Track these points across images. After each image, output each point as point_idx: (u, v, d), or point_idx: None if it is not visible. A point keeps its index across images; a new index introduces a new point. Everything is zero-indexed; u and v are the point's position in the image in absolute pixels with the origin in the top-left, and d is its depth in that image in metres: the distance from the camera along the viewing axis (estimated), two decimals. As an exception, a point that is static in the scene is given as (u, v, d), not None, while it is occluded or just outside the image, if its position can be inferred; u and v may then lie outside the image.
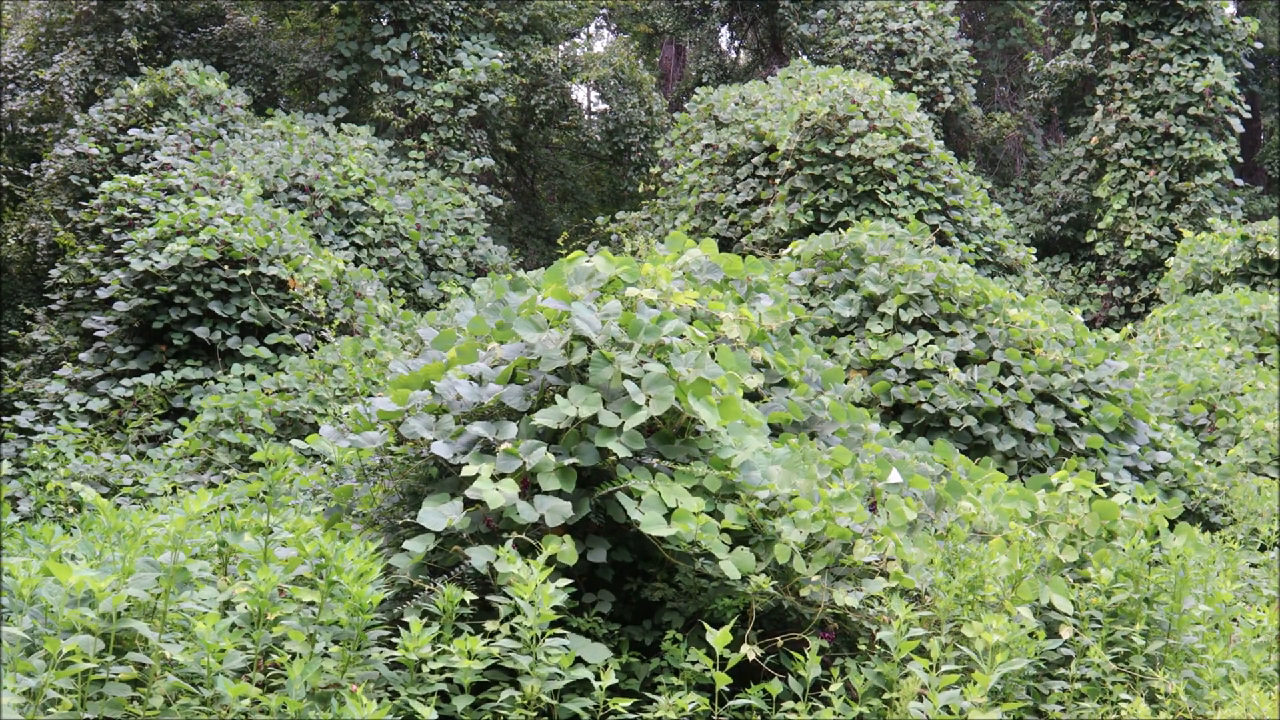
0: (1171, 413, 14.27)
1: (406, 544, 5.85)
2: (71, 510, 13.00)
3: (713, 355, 6.86)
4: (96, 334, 17.51)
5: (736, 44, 35.61)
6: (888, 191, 20.18)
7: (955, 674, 5.45)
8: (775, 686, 5.52)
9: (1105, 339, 14.52)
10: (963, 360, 12.09)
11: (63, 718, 4.61)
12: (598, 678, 5.41)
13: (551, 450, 5.95)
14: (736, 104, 23.21)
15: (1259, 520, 10.91)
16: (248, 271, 16.28)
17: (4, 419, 17.54)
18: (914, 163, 20.59)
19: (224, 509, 6.19)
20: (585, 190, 32.63)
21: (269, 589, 5.12)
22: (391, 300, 18.77)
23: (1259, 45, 27.25)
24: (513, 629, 5.40)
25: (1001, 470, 10.46)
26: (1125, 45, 26.15)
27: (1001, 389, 11.73)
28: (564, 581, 5.50)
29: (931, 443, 9.97)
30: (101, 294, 17.13)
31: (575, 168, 32.37)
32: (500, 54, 27.04)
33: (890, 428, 10.24)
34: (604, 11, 35.76)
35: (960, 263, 17.35)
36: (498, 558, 5.59)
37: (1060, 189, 27.53)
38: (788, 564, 5.95)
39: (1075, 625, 6.15)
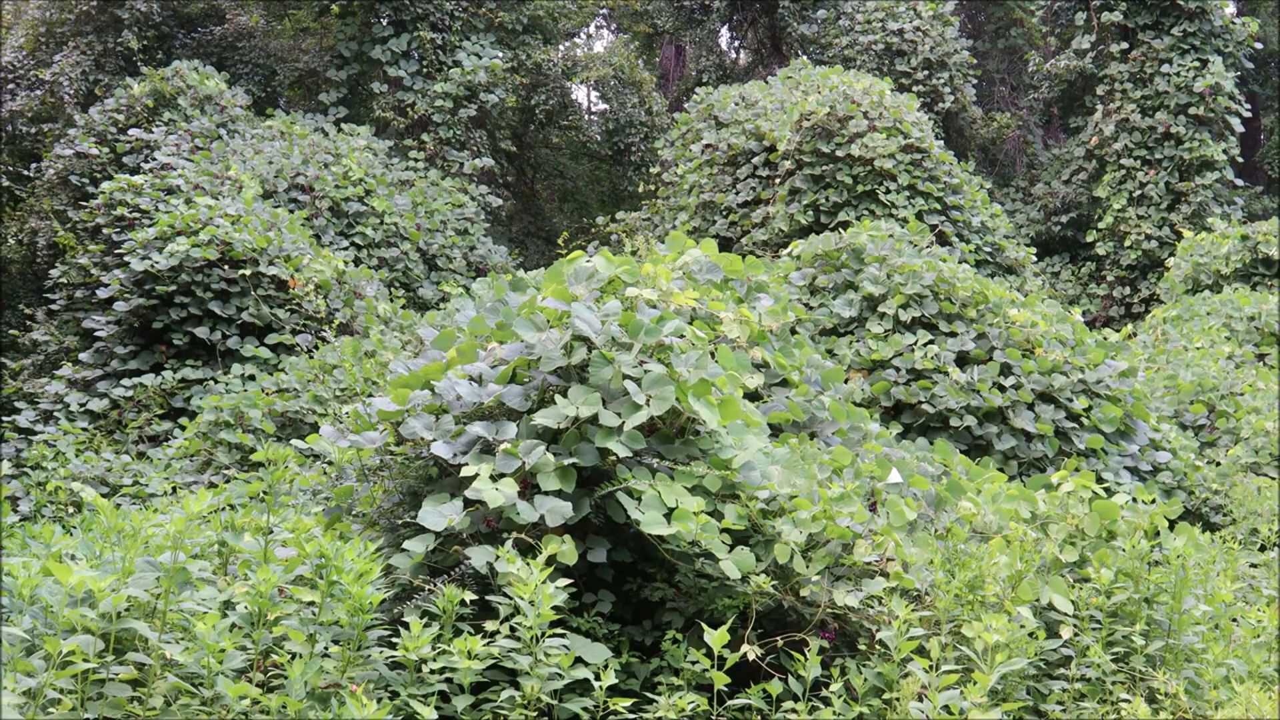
0: (1171, 413, 14.27)
1: (406, 544, 5.85)
2: (71, 510, 13.00)
3: (713, 355, 6.86)
4: (96, 334, 17.51)
5: (736, 44, 35.61)
6: (888, 191, 20.18)
7: (955, 674, 5.45)
8: (775, 686, 5.52)
9: (1105, 339, 14.52)
10: (963, 360, 12.09)
11: (63, 718, 4.61)
12: (598, 678, 5.40)
13: (551, 450, 5.95)
14: (736, 104, 23.22)
15: (1259, 520, 10.91)
16: (248, 271, 16.28)
17: (4, 419, 17.54)
18: (914, 163, 20.59)
19: (224, 509, 6.19)
20: (585, 190, 32.64)
21: (269, 589, 5.12)
22: (391, 300, 18.77)
23: (1259, 45, 27.25)
24: (513, 629, 5.40)
25: (1001, 470, 10.46)
26: (1125, 45, 26.15)
27: (1001, 389, 11.73)
28: (564, 581, 5.50)
29: (931, 443, 9.97)
30: (101, 294, 17.13)
31: (575, 168, 32.37)
32: (500, 54, 27.05)
33: (890, 428, 10.24)
34: (604, 11, 35.76)
35: (960, 263, 17.35)
36: (498, 558, 5.59)
37: (1060, 189, 27.53)
38: (788, 564, 5.95)
39: (1075, 625, 6.15)
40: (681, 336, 6.52)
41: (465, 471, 5.88)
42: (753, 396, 7.76)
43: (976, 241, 20.68)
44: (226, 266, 16.39)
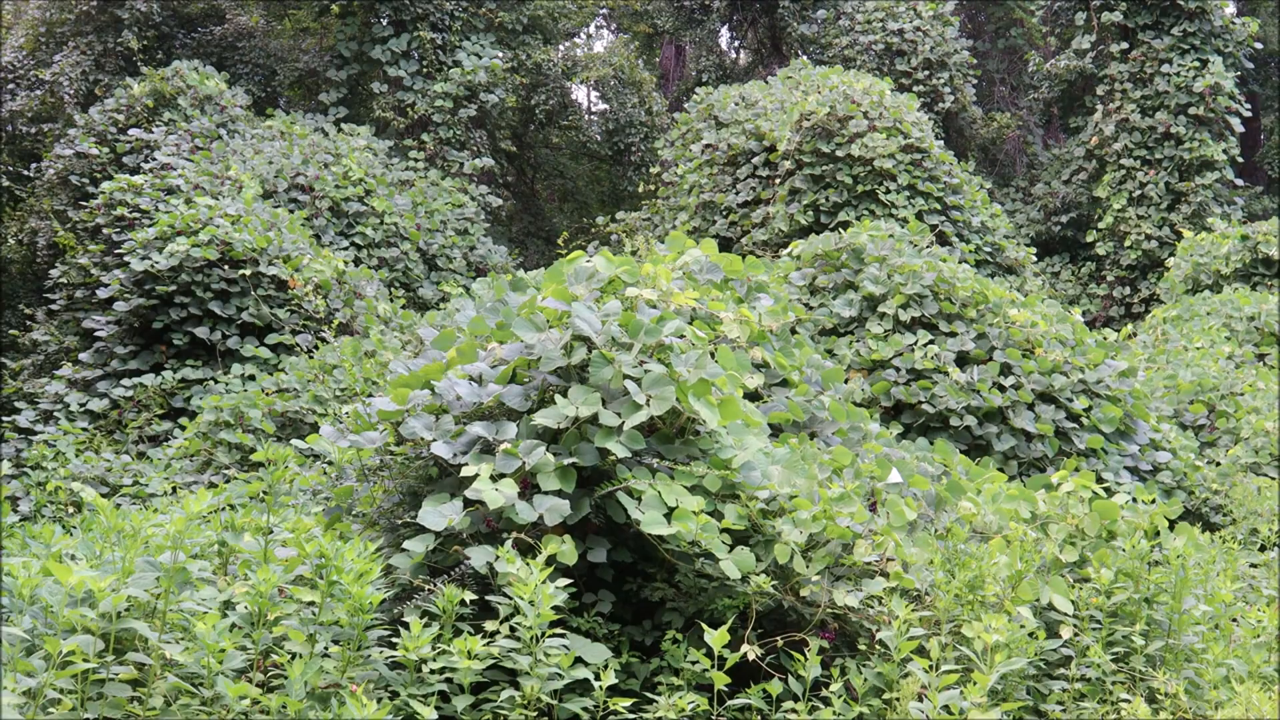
0: (1171, 413, 14.26)
1: (406, 544, 5.85)
2: (71, 510, 13.00)
3: (713, 355, 6.86)
4: (96, 334, 17.52)
5: (736, 44, 35.61)
6: (888, 191, 20.18)
7: (955, 674, 5.45)
8: (775, 686, 5.52)
9: (1105, 339, 14.51)
10: (963, 360, 12.09)
11: (63, 718, 4.61)
12: (598, 678, 5.40)
13: (551, 450, 5.95)
14: (736, 104, 23.21)
15: (1259, 520, 10.91)
16: (248, 271, 16.28)
17: (4, 419, 17.54)
18: (914, 163, 20.59)
19: (224, 509, 6.19)
20: (585, 190, 32.64)
21: (269, 589, 5.12)
22: (391, 300, 18.77)
23: (1259, 45, 27.24)
24: (512, 629, 5.40)
25: (1001, 470, 10.46)
26: (1125, 45, 26.15)
27: (1001, 389, 11.73)
28: (564, 581, 5.50)
29: (931, 443, 9.97)
30: (101, 294, 17.13)
31: (575, 168, 32.37)
32: (500, 54, 27.05)
33: (890, 428, 10.24)
34: (604, 11, 35.76)
35: (960, 263, 17.35)
36: (498, 558, 5.59)
37: (1060, 189, 27.53)
38: (788, 564, 5.95)
39: (1075, 625, 6.14)
40: (681, 336, 6.52)
41: (465, 471, 5.88)
42: (753, 396, 7.76)
43: (976, 241, 20.68)
44: (226, 266, 16.39)
